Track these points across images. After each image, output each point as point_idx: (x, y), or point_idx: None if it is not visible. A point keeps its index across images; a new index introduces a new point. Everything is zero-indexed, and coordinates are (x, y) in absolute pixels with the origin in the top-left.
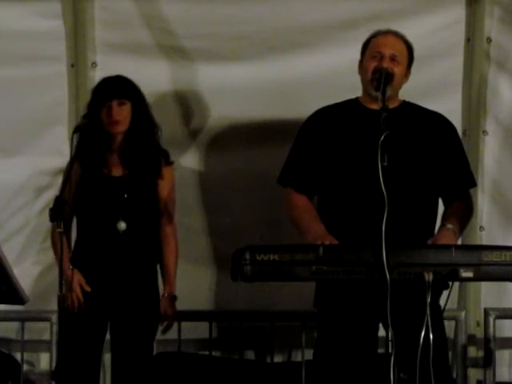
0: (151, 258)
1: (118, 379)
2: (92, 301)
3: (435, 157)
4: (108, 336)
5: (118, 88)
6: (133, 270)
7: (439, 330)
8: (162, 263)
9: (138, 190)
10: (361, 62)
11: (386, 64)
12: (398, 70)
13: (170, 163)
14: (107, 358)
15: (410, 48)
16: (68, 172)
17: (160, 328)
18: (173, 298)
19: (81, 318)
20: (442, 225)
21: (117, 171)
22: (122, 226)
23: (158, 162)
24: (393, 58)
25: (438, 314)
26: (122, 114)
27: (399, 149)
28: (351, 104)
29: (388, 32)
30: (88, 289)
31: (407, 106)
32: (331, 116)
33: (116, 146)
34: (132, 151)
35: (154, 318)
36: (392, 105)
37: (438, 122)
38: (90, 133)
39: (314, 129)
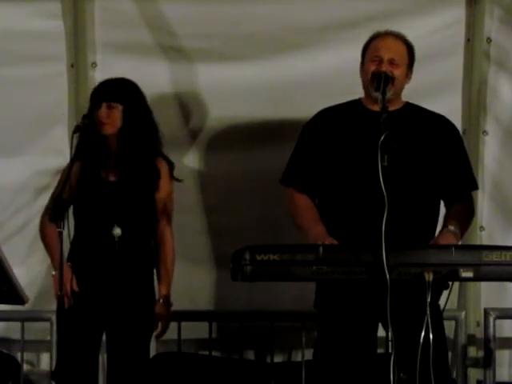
0: (147, 263)
1: (113, 382)
2: (88, 304)
3: (437, 158)
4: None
5: (109, 91)
6: (128, 275)
7: (439, 330)
8: (158, 266)
9: (132, 195)
10: (362, 65)
11: (384, 68)
12: (397, 73)
13: (171, 168)
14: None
15: (410, 48)
16: (68, 172)
17: (155, 333)
18: (167, 301)
19: (78, 321)
20: (444, 226)
21: (113, 176)
22: (118, 231)
23: (154, 167)
24: (391, 62)
25: (438, 314)
26: (111, 116)
27: (401, 150)
28: (353, 105)
29: (387, 34)
30: (76, 288)
31: (410, 107)
32: (334, 117)
33: (112, 149)
34: (125, 156)
35: (150, 321)
36: (394, 106)
37: (441, 123)
38: (89, 135)
39: (317, 130)
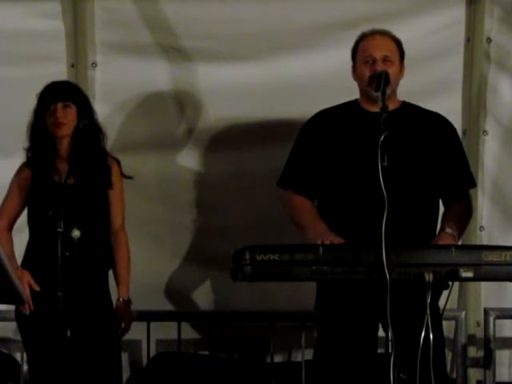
0: (104, 265)
1: None
2: (49, 309)
3: (435, 157)
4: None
5: (63, 91)
6: (87, 277)
7: (437, 330)
8: (114, 269)
9: (89, 197)
10: (354, 67)
11: (379, 67)
12: (392, 70)
13: (120, 165)
14: None
15: (398, 43)
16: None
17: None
18: (128, 302)
19: (41, 326)
20: (442, 228)
21: (68, 178)
22: (76, 233)
23: (107, 169)
24: (385, 59)
25: (437, 315)
26: (67, 116)
27: (399, 150)
28: (350, 106)
29: (374, 33)
30: (37, 288)
31: (407, 107)
32: (331, 118)
33: (64, 152)
34: (79, 158)
35: (113, 322)
36: (392, 106)
37: (438, 122)
38: (38, 139)
39: (314, 131)
